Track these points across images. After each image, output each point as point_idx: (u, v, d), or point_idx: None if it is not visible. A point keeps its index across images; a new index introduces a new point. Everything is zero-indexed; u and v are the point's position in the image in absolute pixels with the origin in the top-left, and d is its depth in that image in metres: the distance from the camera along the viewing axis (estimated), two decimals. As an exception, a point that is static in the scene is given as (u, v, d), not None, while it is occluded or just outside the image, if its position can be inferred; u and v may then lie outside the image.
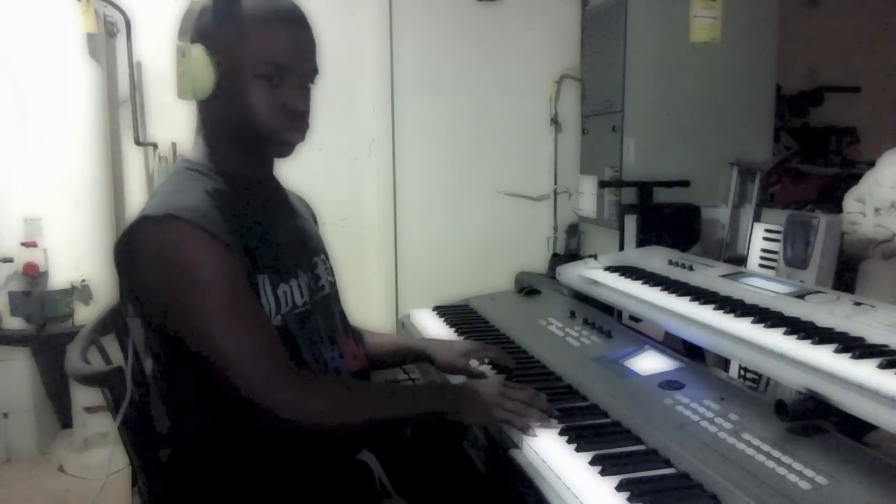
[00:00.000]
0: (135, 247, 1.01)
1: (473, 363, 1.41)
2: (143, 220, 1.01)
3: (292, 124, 1.09)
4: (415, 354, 1.46)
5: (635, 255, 1.99)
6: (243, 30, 1.05)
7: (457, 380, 1.39)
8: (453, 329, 1.79)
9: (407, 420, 1.17)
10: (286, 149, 1.13)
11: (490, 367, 1.44)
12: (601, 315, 1.78)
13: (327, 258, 1.29)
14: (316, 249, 1.27)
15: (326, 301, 1.22)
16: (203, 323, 0.99)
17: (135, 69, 2.85)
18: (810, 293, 1.44)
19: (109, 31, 2.82)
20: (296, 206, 1.30)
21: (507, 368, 1.41)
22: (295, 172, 1.31)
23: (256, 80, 1.05)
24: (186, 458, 1.11)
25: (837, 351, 1.12)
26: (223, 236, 1.01)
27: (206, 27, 1.05)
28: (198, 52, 1.04)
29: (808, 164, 3.23)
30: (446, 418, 1.12)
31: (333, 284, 1.28)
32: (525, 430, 1.12)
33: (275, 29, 1.06)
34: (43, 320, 2.53)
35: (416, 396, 1.17)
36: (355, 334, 1.31)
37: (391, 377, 1.61)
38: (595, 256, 1.97)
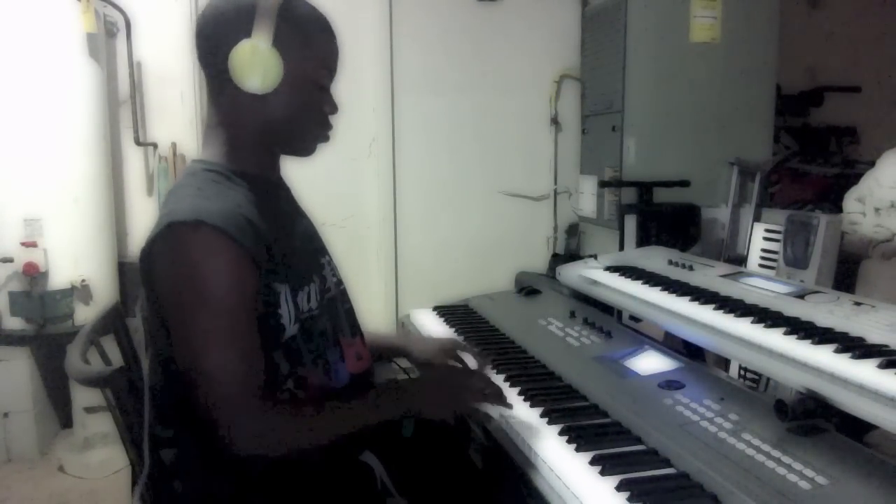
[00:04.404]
0: (161, 250, 1.00)
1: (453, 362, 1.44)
2: (172, 225, 0.99)
3: (328, 125, 1.17)
4: (392, 350, 1.48)
5: (635, 255, 1.99)
6: (308, 35, 1.11)
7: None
8: (453, 329, 1.79)
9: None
10: (315, 148, 1.18)
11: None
12: (601, 315, 1.78)
13: (331, 258, 1.29)
14: (322, 250, 1.27)
15: (332, 302, 1.22)
16: (195, 329, 0.98)
17: (135, 69, 2.85)
18: (810, 293, 1.44)
19: (109, 31, 2.82)
20: (302, 206, 1.30)
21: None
22: (295, 172, 1.30)
23: (313, 84, 1.12)
24: (188, 458, 1.11)
25: (837, 351, 1.12)
26: (250, 247, 1.00)
27: (276, 28, 1.06)
28: (271, 48, 1.05)
29: (808, 164, 3.23)
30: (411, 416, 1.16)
31: (338, 284, 1.27)
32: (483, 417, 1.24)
33: (329, 38, 1.15)
34: (43, 320, 2.53)
35: (375, 404, 1.12)
36: (362, 334, 1.31)
37: (389, 374, 1.61)
38: (595, 256, 1.97)
